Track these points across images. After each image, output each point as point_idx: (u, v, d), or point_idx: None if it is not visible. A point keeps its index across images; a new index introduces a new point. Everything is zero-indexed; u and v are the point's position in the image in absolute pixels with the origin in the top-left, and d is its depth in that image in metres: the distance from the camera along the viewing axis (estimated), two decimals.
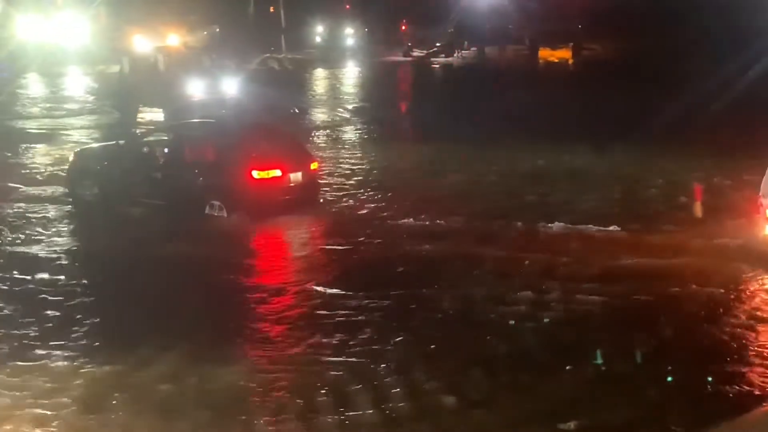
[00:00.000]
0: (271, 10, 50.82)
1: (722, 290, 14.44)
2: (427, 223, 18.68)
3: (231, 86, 33.20)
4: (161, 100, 30.65)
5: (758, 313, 13.74)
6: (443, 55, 49.44)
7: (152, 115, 27.74)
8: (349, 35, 52.33)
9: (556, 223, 18.15)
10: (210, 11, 45.16)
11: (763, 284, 15.00)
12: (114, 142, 21.20)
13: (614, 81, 36.47)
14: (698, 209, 18.60)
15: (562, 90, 36.58)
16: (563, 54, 48.60)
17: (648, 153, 23.49)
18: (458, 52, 49.84)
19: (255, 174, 18.74)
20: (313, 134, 29.05)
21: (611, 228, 17.71)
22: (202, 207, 18.81)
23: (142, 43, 36.40)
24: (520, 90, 36.78)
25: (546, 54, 48.77)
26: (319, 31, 52.29)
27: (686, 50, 42.55)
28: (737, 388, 11.27)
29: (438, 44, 50.23)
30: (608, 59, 46.31)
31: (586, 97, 32.66)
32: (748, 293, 14.63)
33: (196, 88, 31.53)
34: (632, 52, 46.59)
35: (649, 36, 49.01)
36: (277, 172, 18.94)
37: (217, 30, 48.32)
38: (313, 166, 20.30)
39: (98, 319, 13.77)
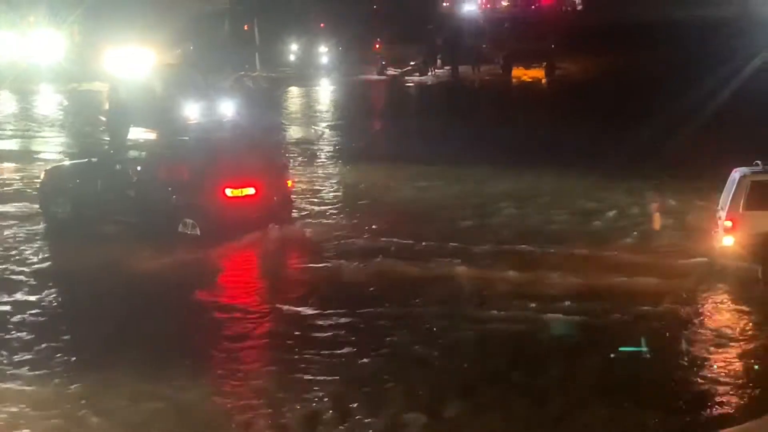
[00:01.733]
0: (246, 27, 50.88)
1: (680, 307, 14.67)
2: (395, 240, 18.80)
3: (228, 108, 33.07)
4: (156, 122, 30.22)
5: (718, 329, 13.99)
6: (417, 74, 49.58)
7: (146, 136, 27.67)
8: (324, 53, 52.43)
9: (525, 246, 18.31)
10: (184, 29, 45.17)
11: (720, 300, 15.26)
12: (86, 159, 21.17)
13: (584, 102, 36.76)
14: (658, 227, 18.89)
15: (532, 110, 36.79)
16: (536, 73, 48.89)
17: (609, 175, 23.54)
18: (432, 71, 50.01)
19: (228, 192, 18.79)
20: (287, 152, 29.10)
21: (576, 250, 17.86)
22: (175, 225, 18.83)
23: (126, 60, 36.17)
24: (492, 110, 37.03)
25: (519, 73, 49.07)
26: (293, 49, 52.37)
27: (658, 71, 42.94)
28: (704, 405, 11.48)
29: (412, 63, 50.40)
30: (580, 79, 46.66)
31: (554, 118, 32.86)
32: (706, 310, 14.88)
33: (192, 110, 31.27)
34: (604, 72, 47.00)
35: (623, 56, 49.44)
36: (251, 190, 19.00)
37: (191, 48, 48.34)
38: (288, 184, 20.40)
39: (67, 338, 13.81)
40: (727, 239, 15.86)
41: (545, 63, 49.04)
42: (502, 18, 63.22)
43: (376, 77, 49.07)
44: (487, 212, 21.12)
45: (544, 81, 47.96)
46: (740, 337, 13.65)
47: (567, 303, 14.89)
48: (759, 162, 16.24)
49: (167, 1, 48.26)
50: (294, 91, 46.09)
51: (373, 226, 20.05)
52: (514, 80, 48.18)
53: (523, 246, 18.12)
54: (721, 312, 14.91)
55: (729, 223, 15.78)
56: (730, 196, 15.95)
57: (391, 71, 49.81)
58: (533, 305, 14.84)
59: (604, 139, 27.51)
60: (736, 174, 16.17)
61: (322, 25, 55.36)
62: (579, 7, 77.66)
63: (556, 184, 23.53)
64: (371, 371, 12.56)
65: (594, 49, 52.08)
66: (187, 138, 21.22)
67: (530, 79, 48.29)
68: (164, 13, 45.42)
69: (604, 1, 72.23)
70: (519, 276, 16.35)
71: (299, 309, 15.06)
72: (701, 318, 14.50)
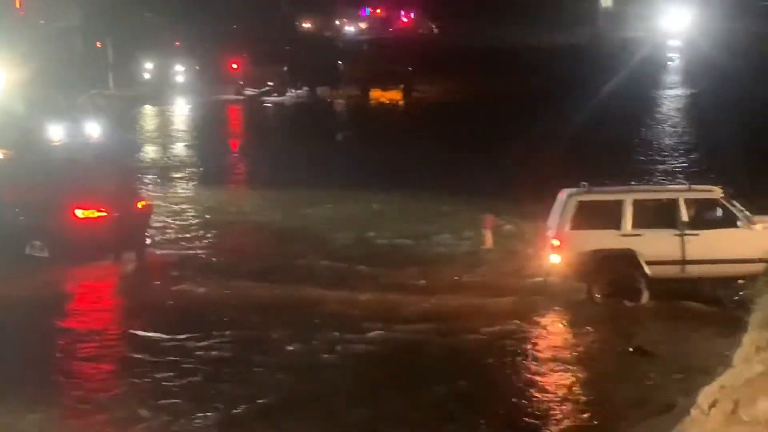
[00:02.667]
0: (98, 45, 49.71)
1: (509, 327, 15.02)
2: (251, 263, 18.73)
3: (95, 129, 32.20)
4: (14, 142, 29.16)
5: (547, 347, 14.47)
6: (275, 95, 49.40)
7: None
8: (180, 72, 51.67)
9: (361, 266, 18.44)
10: (35, 46, 43.83)
11: (547, 318, 15.71)
12: None
13: (439, 124, 37.28)
14: (493, 247, 19.33)
15: (388, 132, 37.10)
16: (394, 95, 49.37)
17: (455, 196, 23.94)
18: (290, 92, 49.94)
19: (78, 213, 18.33)
20: (142, 173, 28.56)
21: (419, 272, 18.11)
22: (22, 246, 18.25)
23: None
24: (348, 131, 37.22)
25: (377, 95, 49.45)
26: (148, 68, 51.42)
27: (511, 95, 43.90)
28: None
29: (270, 83, 50.17)
30: (437, 101, 47.31)
31: (410, 140, 33.18)
32: (535, 329, 15.30)
33: (56, 131, 30.24)
34: (460, 95, 47.79)
35: (478, 80, 50.38)
36: (102, 212, 18.57)
37: (43, 65, 46.94)
38: (140, 205, 20.00)
39: None
40: (555, 258, 16.30)
41: (403, 85, 49.58)
42: (360, 40, 63.66)
43: (233, 97, 48.65)
44: (338, 235, 21.24)
45: (401, 103, 48.47)
46: (568, 356, 14.03)
47: (416, 324, 15.07)
48: (585, 183, 16.81)
49: (17, 18, 46.83)
50: (149, 110, 45.28)
51: (230, 249, 19.87)
52: (371, 102, 48.51)
53: (371, 268, 18.31)
54: (548, 330, 15.36)
55: (556, 242, 16.24)
56: (558, 216, 16.42)
57: (248, 91, 49.46)
58: (383, 326, 15.02)
59: (455, 162, 27.96)
60: (563, 195, 16.68)
61: (178, 43, 54.57)
62: (435, 31, 78.87)
63: (405, 205, 23.80)
64: (222, 394, 12.41)
65: (450, 73, 52.91)
66: (36, 158, 20.62)
67: (388, 101, 48.72)
68: (13, 29, 44.01)
69: (460, 26, 73.64)
70: (369, 298, 16.56)
71: (152, 334, 14.79)
72: (530, 337, 14.88)
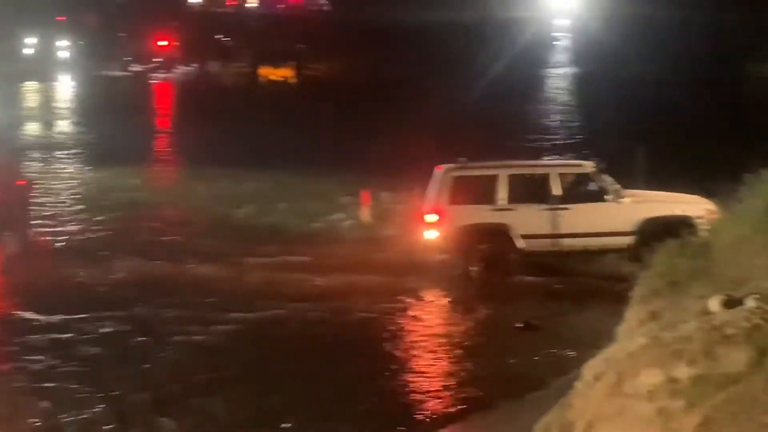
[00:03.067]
0: None
1: (393, 304, 15.04)
2: (141, 241, 18.39)
3: None
4: None
5: (433, 324, 14.49)
6: (163, 71, 48.59)
7: None
8: (63, 48, 50.34)
9: (245, 244, 18.27)
10: None
11: (425, 293, 15.76)
12: None
13: (329, 102, 37.09)
14: (372, 223, 19.36)
15: (277, 109, 36.74)
16: (285, 73, 49.02)
17: (339, 174, 23.91)
18: (178, 68, 49.14)
19: None
20: (22, 151, 27.71)
21: (293, 248, 18.02)
22: None
23: None
24: (237, 108, 36.74)
25: (268, 72, 49.02)
26: (30, 43, 49.95)
27: (402, 73, 43.95)
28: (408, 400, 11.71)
29: (158, 60, 49.29)
30: (328, 78, 47.14)
31: (299, 118, 32.95)
32: (419, 305, 15.33)
33: None
34: (351, 73, 47.74)
35: (369, 57, 50.31)
36: None
37: None
38: (20, 183, 19.34)
39: None
40: (432, 233, 16.37)
41: (293, 62, 49.29)
42: (250, 16, 63.00)
43: (120, 73, 47.65)
44: (223, 213, 21.11)
45: (291, 80, 48.15)
46: (452, 332, 14.10)
47: (301, 303, 14.96)
48: (463, 158, 16.91)
49: None
50: (31, 86, 44.00)
51: (115, 228, 19.46)
52: (262, 79, 48.07)
53: (255, 246, 18.17)
54: (429, 307, 15.45)
55: (433, 217, 16.31)
56: (435, 191, 16.48)
57: (135, 68, 48.51)
58: (267, 305, 14.86)
59: (342, 139, 27.89)
60: (440, 170, 16.74)
61: (61, 18, 53.14)
62: (326, 8, 78.49)
63: (289, 183, 23.75)
64: (106, 379, 12.10)
65: (341, 50, 52.76)
66: None
67: (279, 78, 48.35)
68: None
69: (352, 4, 73.32)
70: (254, 277, 16.42)
71: (31, 314, 14.33)
72: (411, 314, 14.90)
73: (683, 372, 7.06)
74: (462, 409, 11.40)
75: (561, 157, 18.52)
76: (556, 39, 60.08)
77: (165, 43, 49.59)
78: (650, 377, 7.24)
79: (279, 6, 72.90)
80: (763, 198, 10.59)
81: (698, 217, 14.58)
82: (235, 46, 50.89)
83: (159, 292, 15.53)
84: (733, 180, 11.43)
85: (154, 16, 53.11)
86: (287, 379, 12.12)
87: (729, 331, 7.09)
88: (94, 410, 11.05)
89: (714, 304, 8.03)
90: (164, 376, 12.22)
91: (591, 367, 8.22)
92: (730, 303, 7.91)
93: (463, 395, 11.78)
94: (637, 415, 7.14)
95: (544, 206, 16.33)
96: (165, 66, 48.85)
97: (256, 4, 72.65)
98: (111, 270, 16.75)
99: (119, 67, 48.29)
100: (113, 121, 35.59)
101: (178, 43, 50.18)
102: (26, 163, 25.54)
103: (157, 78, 47.52)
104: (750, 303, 7.54)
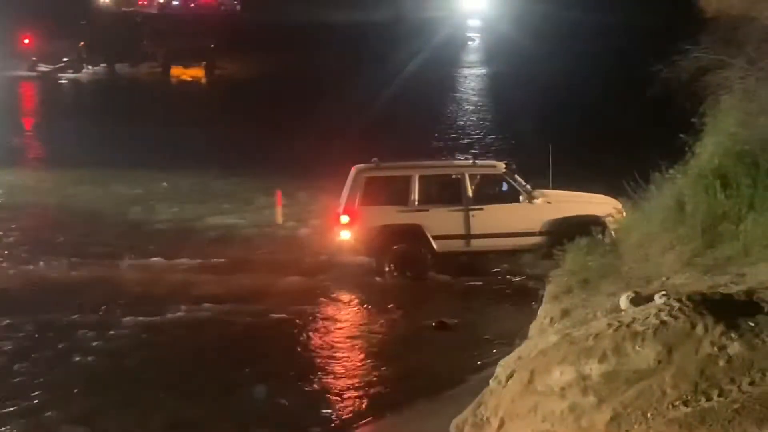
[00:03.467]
0: None
1: (306, 306, 15.00)
2: (43, 245, 18.02)
3: None
4: None
5: (346, 326, 14.48)
6: (71, 71, 47.61)
7: None
8: None
9: (157, 246, 18.03)
10: None
11: (343, 295, 15.77)
12: None
13: (240, 102, 36.82)
14: (281, 223, 19.30)
15: (189, 110, 36.29)
16: (196, 72, 48.45)
17: (249, 175, 23.82)
18: (87, 68, 48.22)
19: None
20: None
21: (205, 250, 17.88)
22: None
23: None
24: (147, 109, 36.15)
25: (178, 72, 48.40)
26: None
27: (314, 73, 43.77)
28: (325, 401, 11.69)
29: (66, 59, 48.27)
30: (239, 79, 46.71)
31: (210, 118, 32.58)
32: (333, 306, 15.35)
33: None
34: (263, 73, 47.32)
35: (281, 57, 49.98)
36: None
37: None
38: None
39: None
40: (345, 234, 16.38)
41: (205, 62, 48.75)
42: (161, 15, 62.18)
43: (26, 73, 46.55)
44: (132, 214, 20.92)
45: (203, 80, 47.67)
46: (366, 333, 14.11)
47: (214, 305, 14.84)
48: (375, 159, 16.96)
49: None
50: None
51: (21, 229, 19.07)
52: (173, 79, 47.49)
53: (166, 248, 17.99)
54: (342, 308, 15.41)
55: (346, 219, 16.33)
56: (348, 191, 16.49)
57: (42, 67, 47.45)
58: (185, 307, 14.75)
59: (253, 139, 27.73)
60: (353, 170, 16.76)
61: None
62: (238, 7, 77.82)
63: (200, 184, 23.56)
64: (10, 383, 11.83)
65: (253, 50, 52.34)
66: None
67: (190, 78, 47.83)
68: None
69: (263, 3, 72.83)
70: (167, 278, 16.28)
71: None
72: (324, 315, 14.89)
73: (594, 369, 7.18)
74: (376, 408, 11.40)
75: (473, 158, 18.62)
76: (469, 39, 60.49)
77: (27, 41, 48.42)
78: (562, 374, 7.34)
79: (191, 6, 72.14)
80: (670, 197, 10.82)
81: (608, 217, 14.83)
82: (145, 45, 50.07)
83: (68, 293, 15.28)
84: (641, 179, 11.65)
85: (62, 15, 52.03)
86: (195, 383, 12.01)
87: (638, 327, 7.23)
88: None
89: (623, 301, 8.18)
90: (78, 383, 12.00)
91: (504, 365, 8.31)
92: (639, 300, 8.07)
93: (377, 394, 11.80)
94: (550, 412, 7.24)
95: (457, 207, 16.44)
96: (73, 66, 47.87)
97: (167, 4, 71.82)
98: (18, 271, 16.43)
99: (26, 66, 47.17)
100: (19, 122, 34.87)
101: (86, 43, 49.19)
102: None
103: (65, 78, 46.58)
104: (658, 300, 7.69)
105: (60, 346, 13.18)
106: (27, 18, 49.31)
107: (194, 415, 11.13)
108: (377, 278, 16.30)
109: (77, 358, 12.78)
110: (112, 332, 13.74)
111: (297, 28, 58.15)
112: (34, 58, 47.64)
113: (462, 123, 33.60)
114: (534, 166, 17.79)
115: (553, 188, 17.34)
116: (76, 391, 11.77)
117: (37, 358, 12.75)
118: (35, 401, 11.38)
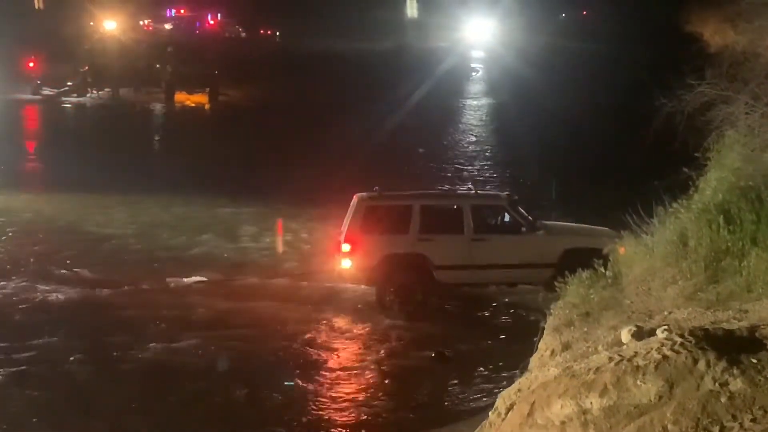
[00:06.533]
0: None
1: (307, 333, 14.98)
2: (47, 269, 18.00)
3: None
4: None
5: (346, 355, 14.42)
6: (75, 95, 47.77)
7: None
8: None
9: (157, 270, 18.00)
10: None
11: (343, 323, 15.69)
12: None
13: (244, 129, 36.88)
14: (282, 251, 19.24)
15: (192, 136, 36.30)
16: (199, 98, 48.58)
17: (251, 203, 23.81)
18: (91, 92, 48.36)
19: None
20: None
21: (205, 275, 17.84)
22: None
23: None
24: (150, 135, 36.23)
25: (182, 98, 48.53)
26: None
27: (319, 101, 43.87)
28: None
29: (70, 83, 48.43)
30: (243, 105, 46.83)
31: (213, 145, 32.57)
32: (333, 335, 15.25)
33: None
34: (267, 100, 47.43)
35: (285, 85, 50.11)
36: None
37: None
38: None
39: None
40: (346, 262, 16.31)
41: (209, 89, 48.88)
42: (165, 42, 62.40)
43: (30, 97, 46.69)
44: (134, 239, 20.88)
45: (207, 107, 47.78)
46: (366, 363, 14.02)
47: (209, 332, 14.79)
48: (377, 188, 16.90)
49: None
50: None
51: (21, 252, 19.08)
52: (176, 105, 47.58)
53: (166, 272, 17.99)
54: (342, 336, 15.28)
55: (347, 247, 16.26)
56: (349, 220, 16.47)
57: (47, 91, 47.60)
58: (173, 335, 14.68)
59: (256, 167, 27.75)
60: (355, 199, 16.73)
61: None
62: (242, 35, 78.22)
63: (203, 210, 23.48)
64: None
65: (257, 77, 52.54)
66: None
67: (193, 104, 47.93)
68: None
69: (267, 31, 73.26)
70: (164, 303, 16.22)
71: None
72: (324, 343, 14.80)
73: (594, 403, 7.11)
74: None
75: (477, 188, 18.56)
76: (473, 70, 60.76)
77: (31, 64, 48.60)
78: (562, 408, 7.27)
79: (195, 32, 72.49)
80: (673, 231, 10.78)
81: (610, 250, 14.76)
82: (149, 70, 50.23)
83: (61, 317, 15.21)
84: (644, 212, 11.61)
85: (66, 40, 52.23)
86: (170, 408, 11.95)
87: (639, 362, 7.16)
88: None
89: (625, 335, 8.11)
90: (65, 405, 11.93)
91: (504, 398, 8.24)
92: (641, 334, 8.00)
93: (376, 426, 11.71)
94: None
95: (460, 237, 16.37)
96: (77, 90, 48.01)
97: (171, 30, 72.14)
98: (15, 292, 16.41)
99: (30, 90, 47.31)
100: (23, 145, 34.89)
101: (90, 68, 49.35)
102: None
103: (69, 102, 46.71)
104: (660, 334, 7.63)
105: (54, 369, 13.08)
106: (31, 41, 49.53)
107: None
108: (378, 307, 16.21)
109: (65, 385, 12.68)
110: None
111: (302, 57, 58.47)
112: (38, 82, 47.77)
113: (462, 152, 33.63)
114: (536, 197, 17.80)
115: (555, 220, 17.29)
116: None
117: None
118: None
